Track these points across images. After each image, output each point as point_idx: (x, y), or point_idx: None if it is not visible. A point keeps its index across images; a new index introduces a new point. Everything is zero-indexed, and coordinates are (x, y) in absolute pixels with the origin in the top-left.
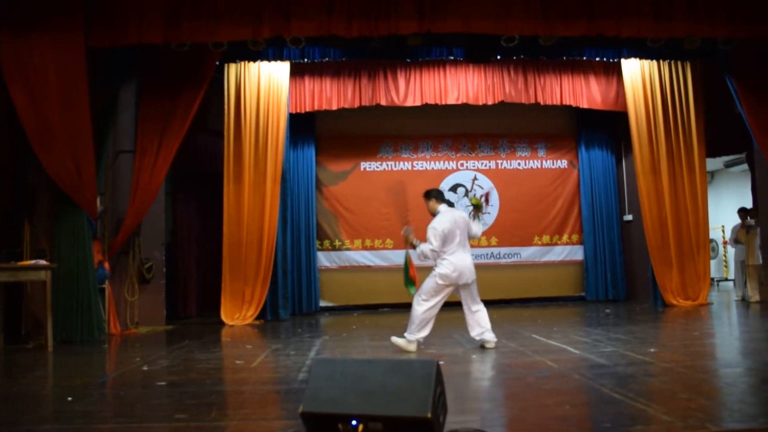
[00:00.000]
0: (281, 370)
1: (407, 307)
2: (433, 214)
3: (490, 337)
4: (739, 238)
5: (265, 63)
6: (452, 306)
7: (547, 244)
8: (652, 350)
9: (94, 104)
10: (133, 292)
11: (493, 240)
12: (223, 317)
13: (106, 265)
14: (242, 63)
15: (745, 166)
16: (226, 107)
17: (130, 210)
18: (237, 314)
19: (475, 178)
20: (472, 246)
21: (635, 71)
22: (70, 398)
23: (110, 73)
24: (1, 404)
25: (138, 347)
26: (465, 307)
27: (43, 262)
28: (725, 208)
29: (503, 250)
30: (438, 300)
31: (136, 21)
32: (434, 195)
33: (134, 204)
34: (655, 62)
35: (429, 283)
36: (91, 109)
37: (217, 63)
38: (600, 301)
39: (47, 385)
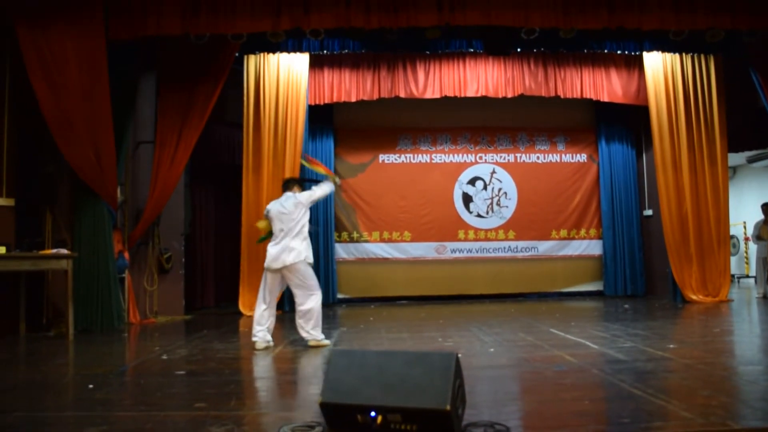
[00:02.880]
0: (299, 361)
1: (425, 299)
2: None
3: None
4: (761, 234)
5: (284, 54)
6: (469, 299)
7: (565, 239)
8: (671, 346)
9: (114, 96)
10: (152, 282)
11: (511, 234)
12: (241, 308)
13: (126, 255)
14: (261, 54)
15: None
16: (245, 99)
17: (150, 201)
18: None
19: (493, 172)
20: (488, 240)
21: (657, 64)
22: (90, 386)
23: (130, 65)
24: (23, 391)
25: (157, 336)
26: None
27: (64, 251)
28: (747, 204)
29: (521, 243)
30: (262, 285)
31: (154, 12)
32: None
33: (154, 195)
34: (677, 55)
35: None
36: (111, 100)
37: (236, 54)
38: (619, 296)
39: (68, 373)
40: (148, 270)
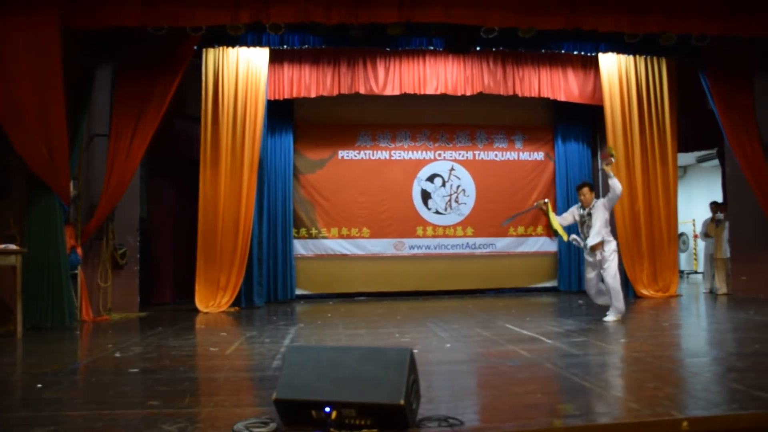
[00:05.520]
0: (255, 358)
1: (383, 296)
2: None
3: None
4: (708, 232)
5: (243, 48)
6: (427, 295)
7: (522, 235)
8: (622, 340)
9: (69, 86)
10: (106, 278)
11: (469, 230)
12: (198, 304)
13: (79, 251)
14: (221, 48)
15: (717, 162)
16: (203, 92)
17: (104, 195)
18: (212, 301)
19: (452, 169)
20: (447, 236)
21: (612, 65)
22: (39, 385)
23: (86, 56)
24: None
25: (110, 334)
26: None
27: (13, 246)
28: (697, 202)
29: (479, 240)
30: None
31: (112, 2)
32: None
33: (108, 189)
34: (631, 57)
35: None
36: (65, 91)
37: (195, 47)
38: (573, 291)
39: (15, 372)
40: (102, 266)
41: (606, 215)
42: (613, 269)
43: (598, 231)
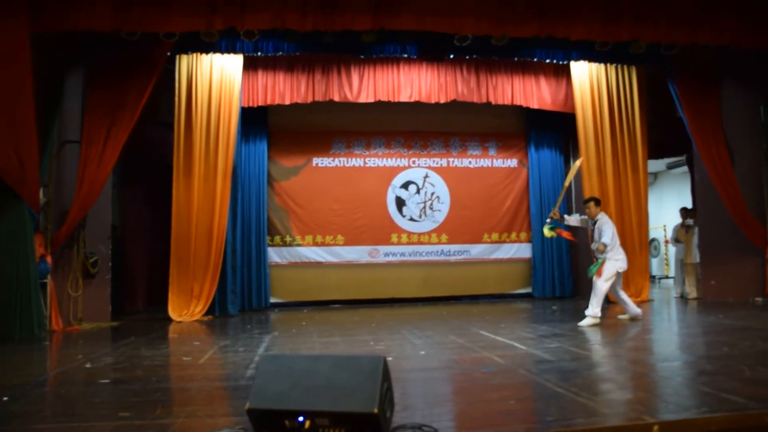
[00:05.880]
0: (229, 367)
1: (358, 303)
2: (595, 218)
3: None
4: (679, 237)
5: (217, 55)
6: (402, 302)
7: (497, 242)
8: (595, 346)
9: (39, 92)
10: (77, 287)
11: (444, 237)
12: (171, 313)
13: (48, 259)
14: (194, 54)
15: (686, 168)
16: (177, 99)
17: (75, 202)
18: (185, 310)
19: (426, 176)
20: (421, 243)
21: (583, 74)
22: (5, 398)
23: (57, 61)
24: None
25: (81, 344)
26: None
27: None
28: (667, 208)
29: (453, 247)
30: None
31: (84, 7)
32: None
33: (79, 196)
34: (602, 65)
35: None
36: (35, 97)
37: (169, 53)
38: (547, 297)
39: None
40: (73, 274)
41: (613, 227)
42: (606, 273)
43: (605, 235)
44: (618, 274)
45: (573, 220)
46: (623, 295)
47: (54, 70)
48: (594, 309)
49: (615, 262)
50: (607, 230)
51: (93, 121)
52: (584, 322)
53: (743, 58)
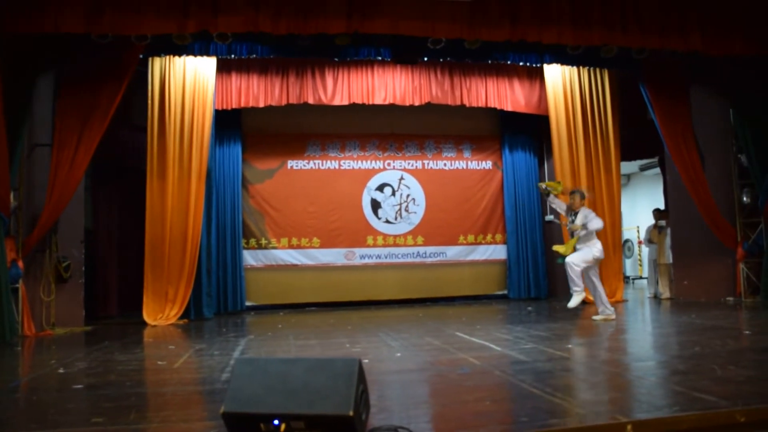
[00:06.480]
0: (204, 371)
1: (334, 306)
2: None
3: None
4: (652, 238)
5: (190, 58)
6: (378, 304)
7: (472, 243)
8: (569, 346)
9: (8, 94)
10: (50, 292)
11: (419, 239)
12: (146, 317)
13: (20, 264)
14: (167, 57)
15: (658, 170)
16: (149, 102)
17: (47, 206)
18: (160, 314)
19: (401, 178)
20: (397, 245)
21: (556, 76)
22: None
23: (26, 63)
24: None
25: (54, 349)
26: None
27: None
28: (640, 209)
29: (429, 249)
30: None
31: (54, 9)
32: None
33: (51, 200)
34: (575, 68)
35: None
36: (4, 99)
37: (141, 56)
38: (522, 299)
39: None
40: (45, 279)
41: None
42: (580, 256)
43: (596, 221)
44: (595, 260)
45: (558, 204)
46: (600, 289)
47: (24, 73)
48: (603, 307)
49: (592, 248)
50: (596, 217)
51: (64, 125)
52: (571, 304)
53: (712, 64)
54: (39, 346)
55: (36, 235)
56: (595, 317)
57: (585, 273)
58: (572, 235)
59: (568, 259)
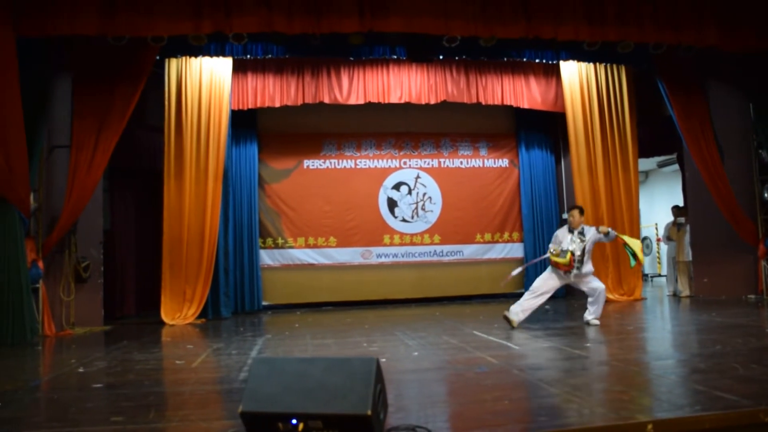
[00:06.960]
0: (222, 370)
1: (351, 305)
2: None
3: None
4: (671, 235)
5: (206, 58)
6: (395, 303)
7: (489, 242)
8: (588, 345)
9: (26, 97)
10: (69, 292)
11: (436, 238)
12: (164, 317)
13: (40, 264)
14: (183, 58)
15: (677, 166)
16: (166, 103)
17: (66, 207)
18: (177, 313)
19: (418, 177)
20: (414, 244)
21: (573, 73)
22: None
23: (44, 65)
24: None
25: (74, 349)
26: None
27: None
28: (658, 206)
29: (446, 248)
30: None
31: (68, 11)
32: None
33: (70, 201)
34: (592, 65)
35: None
36: (23, 101)
37: (157, 57)
38: None
39: None
40: (64, 279)
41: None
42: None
43: (589, 259)
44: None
45: (591, 235)
46: (604, 295)
47: (42, 75)
48: (600, 309)
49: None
50: (589, 248)
51: (82, 126)
52: (591, 318)
53: (730, 58)
54: (59, 346)
55: (55, 235)
56: (595, 321)
57: (586, 284)
58: (625, 244)
59: (598, 284)
